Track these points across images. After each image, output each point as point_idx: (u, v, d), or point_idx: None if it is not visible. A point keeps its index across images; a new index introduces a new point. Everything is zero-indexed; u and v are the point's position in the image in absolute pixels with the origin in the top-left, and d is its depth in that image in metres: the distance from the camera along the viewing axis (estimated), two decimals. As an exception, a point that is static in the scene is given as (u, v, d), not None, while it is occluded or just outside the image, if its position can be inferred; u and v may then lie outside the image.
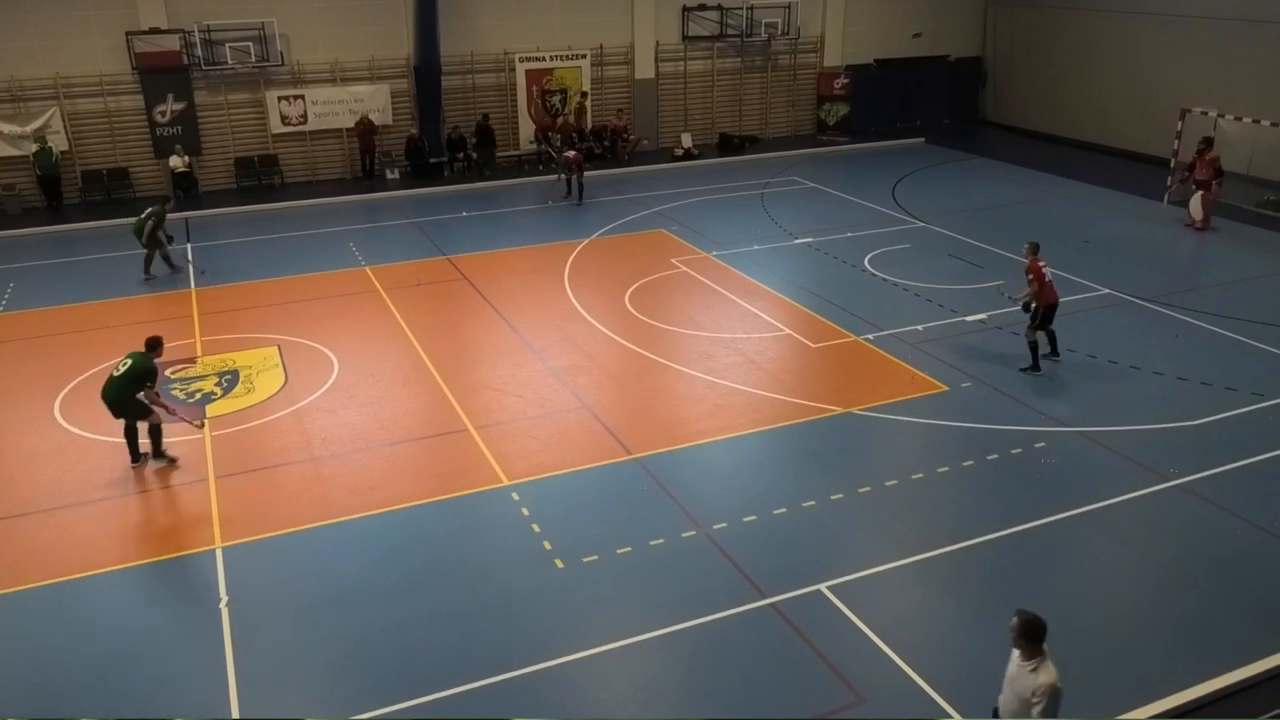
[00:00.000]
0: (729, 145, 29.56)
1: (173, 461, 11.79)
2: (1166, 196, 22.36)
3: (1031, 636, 6.13)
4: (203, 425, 12.38)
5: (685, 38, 29.00)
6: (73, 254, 20.03)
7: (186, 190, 24.37)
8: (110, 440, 12.32)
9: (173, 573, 9.84)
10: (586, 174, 24.20)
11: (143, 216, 18.29)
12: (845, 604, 9.02)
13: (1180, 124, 22.22)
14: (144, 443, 11.71)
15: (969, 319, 15.71)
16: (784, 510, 10.57)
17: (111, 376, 11.45)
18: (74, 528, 10.59)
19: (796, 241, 20.21)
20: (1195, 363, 14.04)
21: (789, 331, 15.45)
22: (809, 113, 31.43)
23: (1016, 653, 6.22)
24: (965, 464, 11.47)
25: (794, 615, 8.90)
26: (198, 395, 13.55)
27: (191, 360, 14.77)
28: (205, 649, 8.64)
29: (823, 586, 9.27)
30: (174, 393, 13.59)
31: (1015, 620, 6.19)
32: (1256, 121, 21.25)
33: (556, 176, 24.81)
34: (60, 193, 23.74)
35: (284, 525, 10.56)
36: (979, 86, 32.63)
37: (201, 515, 10.75)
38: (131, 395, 11.38)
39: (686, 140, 28.97)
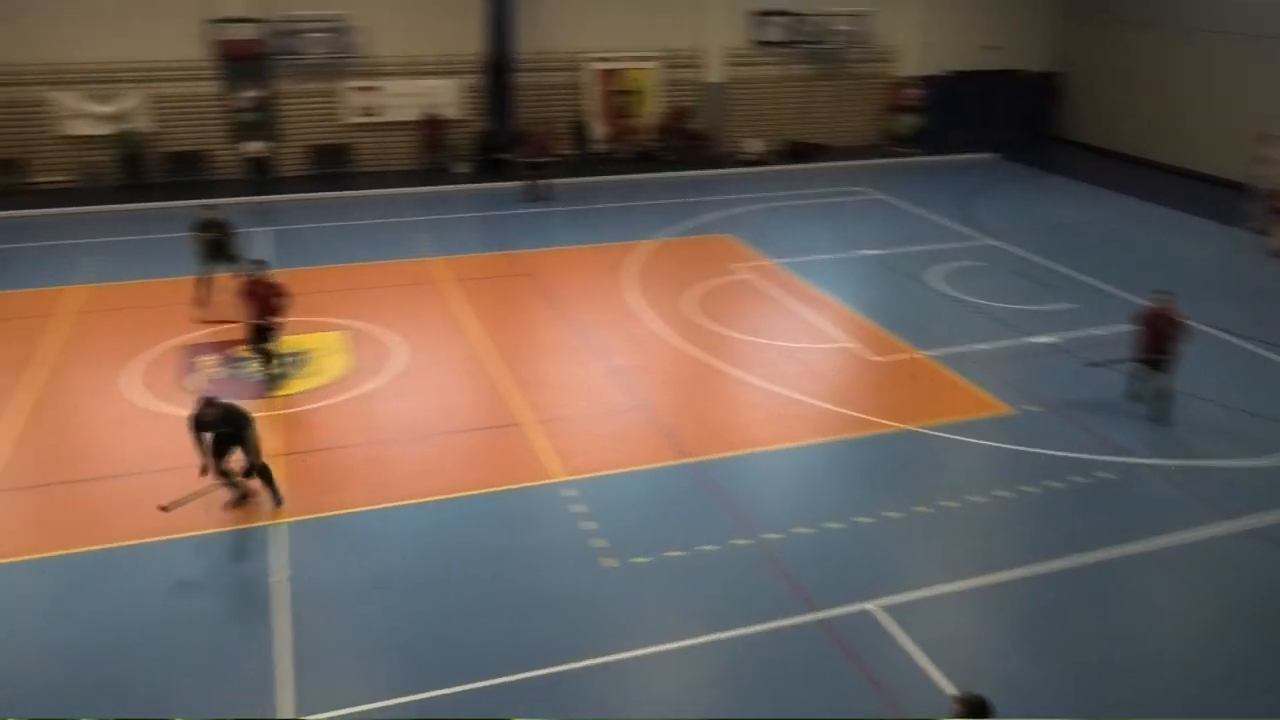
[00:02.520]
0: (797, 152, 29.37)
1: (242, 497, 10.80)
2: (1249, 224, 21.72)
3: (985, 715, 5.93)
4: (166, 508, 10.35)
5: (756, 43, 28.89)
6: (151, 232, 20.52)
7: (261, 176, 24.91)
8: (178, 413, 12.66)
9: (236, 545, 10.08)
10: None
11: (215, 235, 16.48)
12: (895, 624, 8.93)
13: (1263, 149, 21.57)
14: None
15: (1037, 340, 15.43)
16: (837, 524, 10.49)
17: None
18: (139, 496, 10.85)
19: (861, 253, 20.03)
20: (1267, 398, 13.63)
21: (850, 344, 15.33)
22: (880, 123, 31.12)
23: None
24: (1025, 489, 11.28)
25: (841, 632, 8.83)
26: (268, 371, 13.82)
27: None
28: (259, 620, 8.84)
29: (872, 605, 9.19)
30: (243, 371, 13.90)
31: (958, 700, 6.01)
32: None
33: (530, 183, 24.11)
34: (142, 172, 24.43)
35: (343, 506, 10.76)
36: (1055, 102, 32.01)
37: (263, 491, 10.97)
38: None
39: (754, 145, 28.87)
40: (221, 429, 10.41)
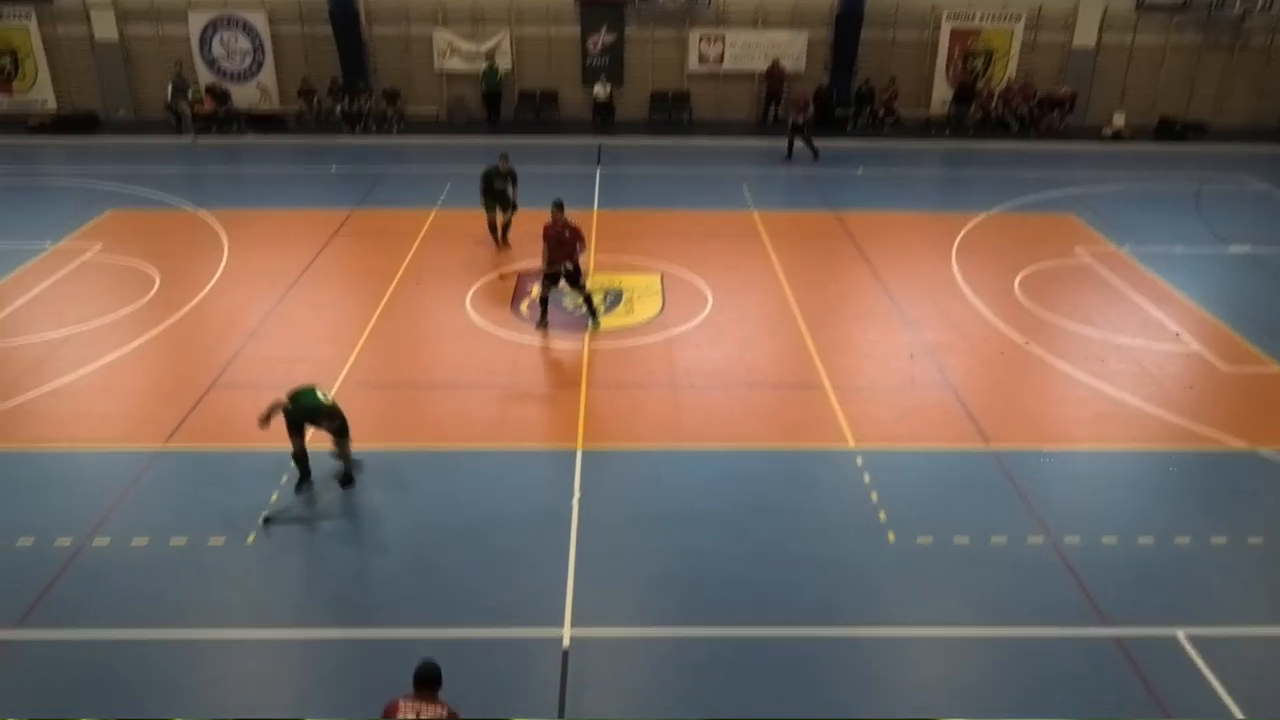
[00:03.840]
0: (1168, 131, 26.51)
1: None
2: None
3: None
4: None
5: (1140, 6, 26.19)
6: (503, 164, 22.36)
7: (604, 119, 26.20)
8: (507, 336, 13.75)
9: (539, 462, 10.87)
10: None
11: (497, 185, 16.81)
12: (1204, 659, 8.02)
13: None
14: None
15: None
16: (1151, 540, 9.54)
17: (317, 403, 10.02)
18: (466, 406, 11.99)
19: (1230, 250, 17.80)
20: None
21: (1198, 348, 13.73)
22: (1278, 103, 27.28)
23: None
24: (1397, 539, 9.65)
25: (1138, 655, 8.06)
26: (583, 309, 14.65)
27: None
28: (555, 533, 9.47)
29: (1180, 632, 8.30)
30: (564, 303, 14.82)
31: None
32: None
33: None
34: (499, 109, 26.52)
35: (638, 441, 11.24)
36: None
37: (570, 416, 11.72)
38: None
39: (1118, 120, 26.38)
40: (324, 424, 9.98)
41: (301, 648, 8.15)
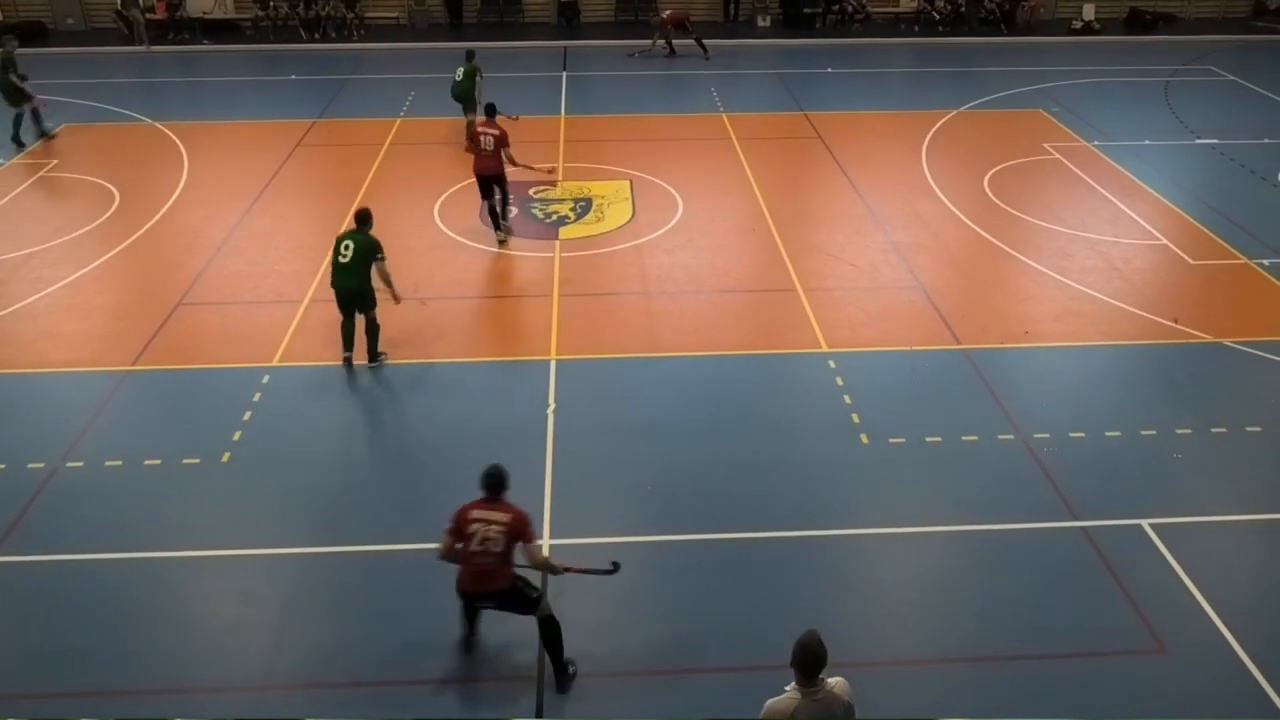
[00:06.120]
0: (1139, 22, 26.19)
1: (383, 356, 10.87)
2: None
3: (806, 667, 5.04)
4: (424, 302, 11.61)
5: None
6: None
7: (569, 20, 25.49)
8: (477, 247, 13.58)
9: (512, 373, 10.86)
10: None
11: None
12: (1167, 546, 8.26)
13: None
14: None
15: (1402, 260, 13.24)
16: (1118, 434, 9.74)
17: (340, 265, 10.36)
18: (438, 318, 11.91)
19: (1198, 142, 17.79)
20: None
21: (1165, 242, 13.83)
22: (1249, -9, 27.01)
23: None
24: (1353, 425, 9.92)
25: (1105, 544, 8.30)
26: (554, 216, 14.50)
27: (553, 184, 15.76)
28: (530, 445, 9.50)
29: (1145, 522, 8.54)
30: (534, 211, 14.63)
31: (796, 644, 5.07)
32: None
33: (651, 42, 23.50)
34: (461, 11, 25.70)
35: (611, 350, 11.25)
36: None
37: (542, 327, 11.68)
38: (368, 278, 10.37)
39: (1089, 12, 26.00)
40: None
41: (282, 564, 8.19)
